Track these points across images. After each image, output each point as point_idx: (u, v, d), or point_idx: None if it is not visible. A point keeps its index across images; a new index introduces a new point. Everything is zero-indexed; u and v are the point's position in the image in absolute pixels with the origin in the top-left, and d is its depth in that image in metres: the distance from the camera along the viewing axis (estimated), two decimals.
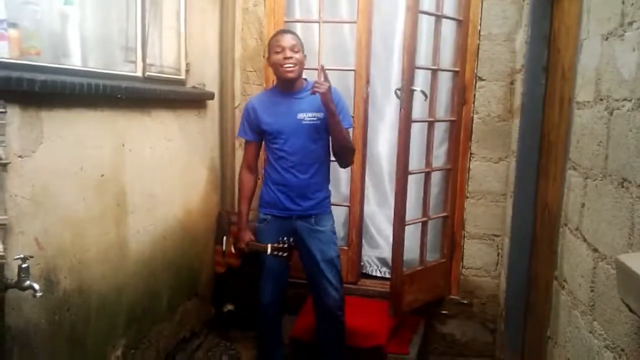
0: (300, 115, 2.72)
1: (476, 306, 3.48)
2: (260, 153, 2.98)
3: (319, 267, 2.79)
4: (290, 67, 2.67)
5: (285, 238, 2.69)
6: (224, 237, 3.16)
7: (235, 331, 3.55)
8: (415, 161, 3.36)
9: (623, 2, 1.42)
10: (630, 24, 1.36)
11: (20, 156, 1.79)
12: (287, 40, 2.68)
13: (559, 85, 2.40)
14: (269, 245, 2.70)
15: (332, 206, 2.95)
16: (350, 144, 2.84)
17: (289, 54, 2.66)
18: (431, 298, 3.41)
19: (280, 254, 2.68)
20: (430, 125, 3.26)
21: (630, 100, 1.34)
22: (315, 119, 2.72)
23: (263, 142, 2.89)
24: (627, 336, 1.28)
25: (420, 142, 3.37)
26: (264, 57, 3.59)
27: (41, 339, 1.95)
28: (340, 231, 3.51)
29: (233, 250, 2.99)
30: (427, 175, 3.31)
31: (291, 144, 2.73)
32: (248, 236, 2.82)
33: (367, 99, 3.50)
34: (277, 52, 2.68)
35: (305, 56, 2.76)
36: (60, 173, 2.01)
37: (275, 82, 2.96)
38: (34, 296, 1.73)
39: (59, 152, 1.99)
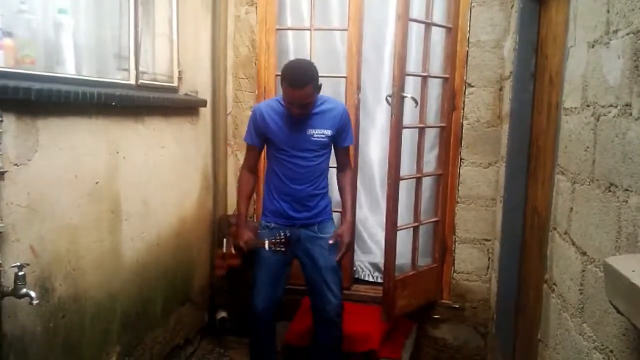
0: (310, 131, 2.73)
1: (468, 310, 3.50)
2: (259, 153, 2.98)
3: (321, 273, 2.80)
4: (298, 116, 2.68)
5: (282, 232, 2.71)
6: (224, 240, 3.17)
7: (228, 337, 3.56)
8: (406, 167, 3.40)
9: (608, 11, 1.46)
10: (616, 32, 1.39)
11: (16, 164, 1.80)
12: (297, 98, 2.60)
13: (547, 92, 2.44)
14: (267, 241, 2.72)
15: None
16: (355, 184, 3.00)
17: (298, 110, 2.65)
18: (423, 302, 3.44)
19: (278, 248, 2.70)
20: (421, 131, 3.30)
21: (616, 107, 1.37)
22: (323, 136, 2.74)
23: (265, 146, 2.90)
24: (615, 337, 1.30)
25: (411, 148, 3.41)
26: (255, 64, 3.62)
27: (36, 346, 1.95)
28: None
29: (233, 251, 2.99)
30: (418, 180, 3.34)
31: (298, 157, 2.74)
32: (247, 234, 2.82)
33: (358, 105, 3.53)
34: (288, 102, 2.65)
35: (319, 86, 2.68)
36: (56, 181, 2.01)
37: None
38: (31, 304, 1.74)
39: (54, 160, 2.00)
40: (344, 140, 2.85)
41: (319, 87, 2.68)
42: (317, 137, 2.73)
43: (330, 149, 2.84)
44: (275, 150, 2.79)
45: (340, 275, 2.87)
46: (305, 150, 2.74)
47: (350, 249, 2.91)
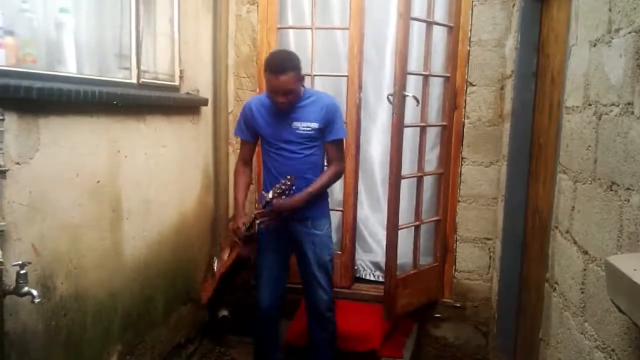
0: (296, 124, 2.74)
1: (469, 309, 3.50)
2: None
3: (312, 270, 2.83)
4: (283, 106, 2.69)
5: (288, 176, 2.66)
6: (215, 260, 3.20)
7: (230, 336, 3.56)
8: (408, 165, 3.39)
9: (610, 10, 1.45)
10: (617, 30, 1.39)
11: (17, 163, 1.80)
12: (279, 85, 2.61)
13: (549, 91, 2.43)
14: (271, 192, 2.66)
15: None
16: (336, 177, 2.88)
17: (281, 99, 2.65)
18: (424, 301, 3.44)
19: (284, 189, 2.63)
20: (422, 130, 3.29)
21: (617, 105, 1.36)
22: (309, 129, 2.75)
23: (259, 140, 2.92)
24: (617, 336, 1.30)
25: (412, 147, 3.41)
26: (256, 63, 3.62)
27: (38, 345, 1.95)
28: (333, 236, 3.50)
29: (225, 258, 3.00)
30: (420, 179, 3.34)
31: (285, 149, 2.76)
32: (244, 217, 2.84)
33: (360, 104, 3.52)
34: (270, 90, 2.66)
35: (303, 77, 2.72)
36: (57, 179, 2.02)
37: None
38: (33, 302, 1.74)
39: (56, 158, 2.00)
40: (329, 133, 2.80)
41: (302, 78, 2.72)
42: (303, 130, 2.75)
43: (320, 143, 2.82)
44: (265, 143, 2.84)
45: (329, 271, 2.89)
46: (291, 142, 2.76)
47: (274, 218, 2.75)
